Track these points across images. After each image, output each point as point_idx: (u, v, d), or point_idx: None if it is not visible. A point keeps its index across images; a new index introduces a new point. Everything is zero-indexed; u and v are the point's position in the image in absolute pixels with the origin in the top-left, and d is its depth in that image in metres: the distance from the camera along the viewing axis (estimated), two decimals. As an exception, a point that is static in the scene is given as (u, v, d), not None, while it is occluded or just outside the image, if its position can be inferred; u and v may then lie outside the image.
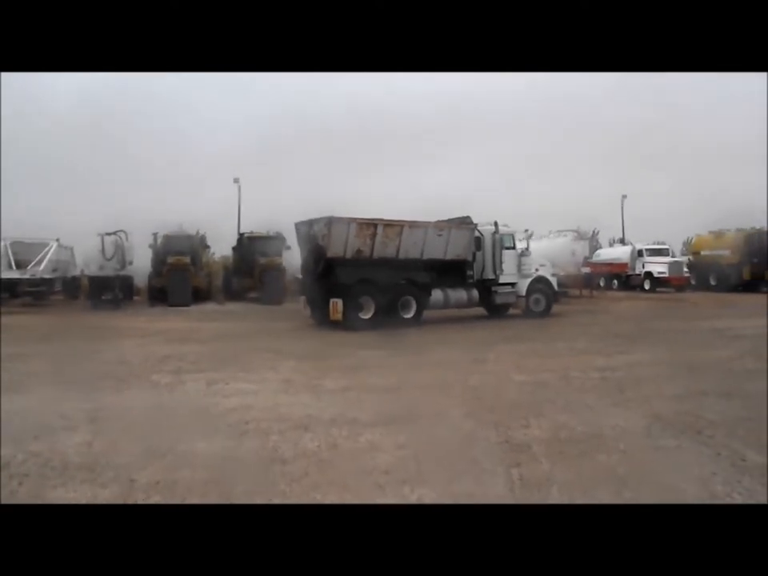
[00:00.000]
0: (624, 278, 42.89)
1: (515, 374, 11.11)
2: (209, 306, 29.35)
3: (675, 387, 9.80)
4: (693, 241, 44.38)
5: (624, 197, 45.08)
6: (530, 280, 23.10)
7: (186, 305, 28.63)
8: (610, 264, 43.27)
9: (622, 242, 51.22)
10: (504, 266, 22.50)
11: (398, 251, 20.09)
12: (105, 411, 8.33)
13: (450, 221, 22.75)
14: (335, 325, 19.11)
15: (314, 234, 19.85)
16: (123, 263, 30.26)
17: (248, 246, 34.76)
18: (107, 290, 29.38)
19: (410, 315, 20.38)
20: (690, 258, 41.71)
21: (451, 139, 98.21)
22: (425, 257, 20.66)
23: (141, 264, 32.28)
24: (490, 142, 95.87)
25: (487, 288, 22.51)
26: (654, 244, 44.00)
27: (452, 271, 21.68)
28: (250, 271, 32.95)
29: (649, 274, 40.89)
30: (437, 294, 21.16)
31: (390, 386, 10.16)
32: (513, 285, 22.92)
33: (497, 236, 22.53)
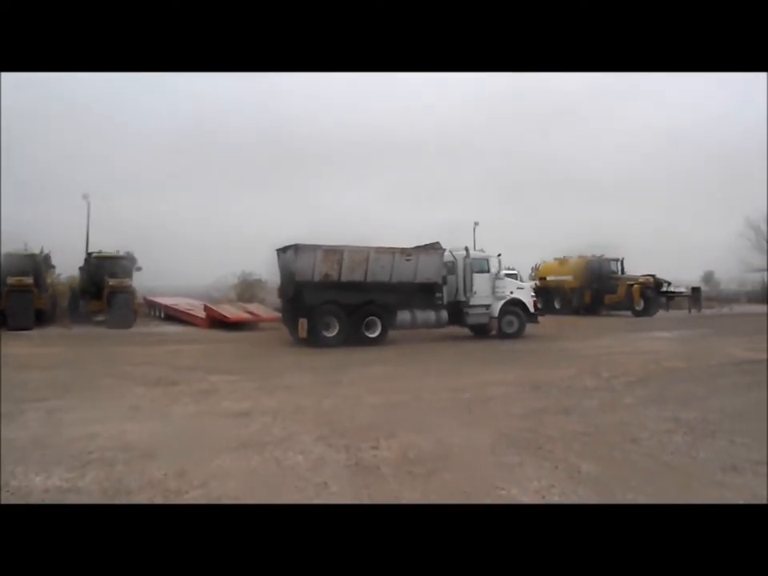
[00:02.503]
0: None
1: (369, 396, 11.32)
2: (53, 330, 27.97)
3: (520, 406, 10.27)
4: (540, 267, 46.39)
5: (476, 224, 46.61)
6: (502, 302, 23.91)
7: (28, 328, 27.14)
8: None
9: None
10: (477, 288, 23.53)
11: (365, 275, 21.46)
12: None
13: (420, 247, 23.57)
14: (304, 342, 20.69)
15: (287, 260, 21.60)
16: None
17: (96, 267, 33.27)
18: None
19: (374, 334, 21.65)
20: (537, 282, 43.56)
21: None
22: (394, 280, 21.93)
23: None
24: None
25: (460, 309, 23.46)
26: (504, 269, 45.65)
27: (422, 293, 22.75)
28: (98, 293, 31.60)
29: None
30: (403, 315, 22.27)
31: (241, 410, 10.05)
32: (487, 306, 23.82)
33: (467, 260, 23.63)
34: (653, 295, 40.65)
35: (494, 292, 23.80)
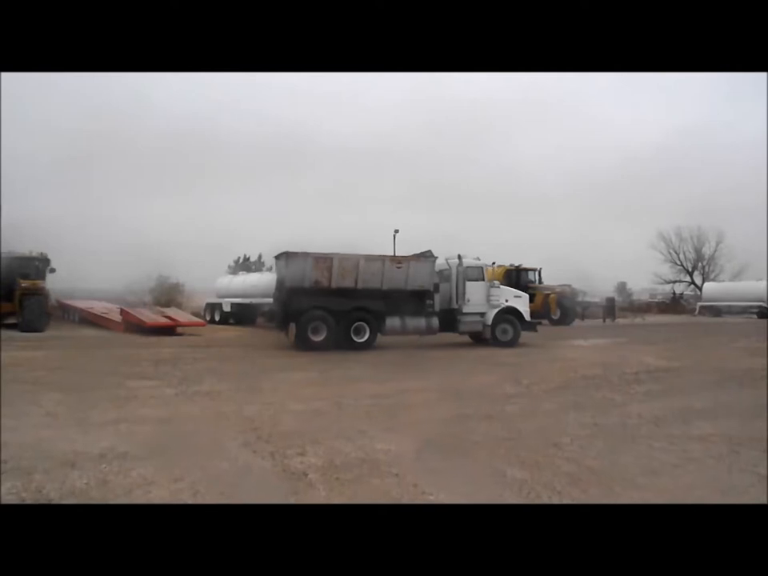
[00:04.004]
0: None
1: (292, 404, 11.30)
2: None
3: (444, 411, 10.34)
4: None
5: (396, 231, 46.78)
6: (496, 310, 24.02)
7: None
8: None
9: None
10: (471, 296, 23.86)
11: (356, 282, 22.09)
12: None
13: (412, 255, 24.35)
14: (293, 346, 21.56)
15: (280, 267, 22.92)
16: None
17: (7, 267, 32.11)
18: None
19: (362, 339, 22.05)
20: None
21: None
22: (385, 287, 22.45)
23: None
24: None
25: (453, 317, 23.74)
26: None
27: (413, 301, 23.07)
28: (9, 295, 30.47)
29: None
30: (393, 321, 22.60)
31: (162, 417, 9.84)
32: (482, 314, 24.04)
33: (460, 268, 23.97)
34: (569, 304, 41.65)
35: (488, 300, 24.03)
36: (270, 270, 45.53)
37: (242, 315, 37.39)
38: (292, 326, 22.00)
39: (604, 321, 44.94)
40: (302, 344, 21.42)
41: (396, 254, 23.37)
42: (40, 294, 29.86)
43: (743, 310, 57.77)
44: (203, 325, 31.90)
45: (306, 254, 21.98)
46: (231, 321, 37.61)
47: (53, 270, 31.50)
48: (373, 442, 8.13)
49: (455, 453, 7.75)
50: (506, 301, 24.37)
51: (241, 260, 57.85)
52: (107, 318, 31.72)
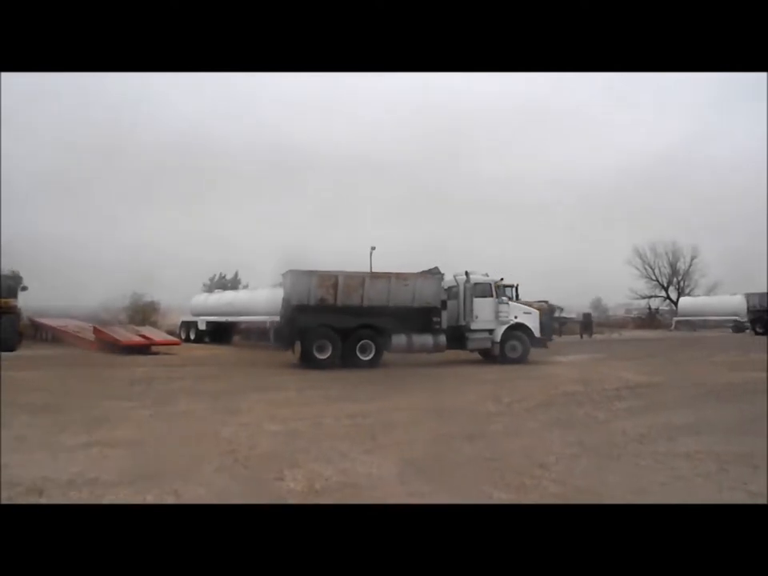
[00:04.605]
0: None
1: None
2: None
3: (425, 431, 10.15)
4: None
5: (373, 248, 46.60)
6: (505, 327, 23.73)
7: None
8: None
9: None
10: (480, 313, 23.61)
11: (362, 299, 22.06)
12: None
13: (419, 273, 23.89)
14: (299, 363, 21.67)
15: (285, 285, 22.82)
16: None
17: (-23, 286, 31.54)
18: None
19: (368, 357, 21.85)
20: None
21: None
22: (391, 304, 22.29)
23: None
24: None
25: (461, 334, 23.53)
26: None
27: (420, 318, 22.78)
28: (-21, 313, 29.91)
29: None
30: (399, 339, 22.39)
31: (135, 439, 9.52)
32: (490, 331, 23.72)
33: (468, 285, 23.84)
34: (547, 321, 41.62)
35: (497, 316, 23.71)
36: (245, 287, 45.31)
37: (217, 333, 37.07)
38: (297, 344, 22.04)
39: (581, 336, 45.06)
40: (307, 362, 21.43)
41: (401, 272, 23.18)
42: (12, 312, 29.34)
43: (718, 325, 58.27)
44: (178, 344, 31.63)
45: (311, 272, 22.10)
46: (207, 339, 37.24)
47: (24, 288, 31.01)
48: (354, 465, 7.89)
49: (439, 475, 7.53)
50: (515, 317, 24.10)
51: (216, 278, 57.36)
52: (80, 337, 31.31)
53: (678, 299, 72.34)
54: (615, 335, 49.23)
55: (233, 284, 55.90)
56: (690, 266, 78.39)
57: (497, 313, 23.73)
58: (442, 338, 23.01)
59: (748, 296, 53.85)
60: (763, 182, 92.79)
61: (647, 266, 79.77)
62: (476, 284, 23.96)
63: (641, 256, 79.26)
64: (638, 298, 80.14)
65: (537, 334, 24.42)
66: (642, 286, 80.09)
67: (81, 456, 8.30)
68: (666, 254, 79.02)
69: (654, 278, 79.95)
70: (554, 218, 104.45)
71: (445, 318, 23.23)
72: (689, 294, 73.00)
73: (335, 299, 21.82)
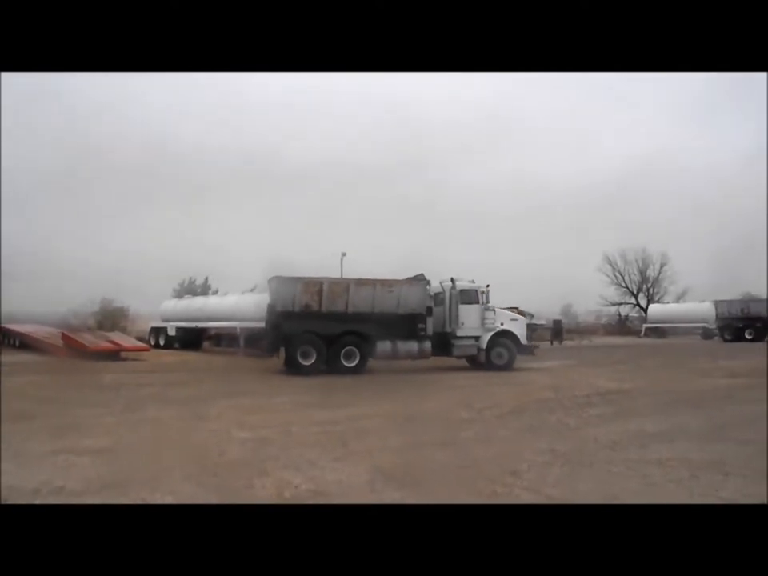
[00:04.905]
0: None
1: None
2: None
3: (396, 438, 10.06)
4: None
5: (344, 254, 46.44)
6: (491, 334, 23.57)
7: None
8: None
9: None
10: (466, 319, 23.58)
11: (346, 305, 22.17)
12: None
13: (404, 279, 23.96)
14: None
15: (270, 291, 23.05)
16: None
17: (-58, 292, 31.11)
18: None
19: (352, 364, 22.01)
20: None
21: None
22: (376, 311, 22.40)
23: None
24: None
25: (447, 340, 23.49)
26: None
27: (405, 324, 22.88)
28: None
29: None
30: (384, 345, 22.44)
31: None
32: (476, 338, 23.69)
33: (453, 291, 23.73)
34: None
35: (482, 323, 23.66)
36: (215, 293, 45.00)
37: (187, 339, 36.76)
38: (282, 351, 22.20)
39: (552, 343, 45.21)
40: (292, 368, 21.60)
41: (386, 278, 23.40)
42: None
43: (687, 331, 58.88)
44: (147, 350, 31.35)
45: (296, 279, 22.32)
46: (176, 345, 36.90)
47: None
48: (323, 473, 7.79)
49: (410, 483, 7.44)
50: (502, 324, 24.05)
51: (186, 283, 56.84)
52: (49, 343, 30.84)
53: (647, 306, 72.96)
54: (585, 342, 49.51)
55: (203, 289, 55.49)
56: (660, 273, 79.24)
57: (483, 320, 23.71)
58: (427, 345, 23.07)
59: (717, 303, 54.50)
60: (738, 190, 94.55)
61: (617, 273, 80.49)
62: (462, 290, 23.91)
63: (611, 263, 79.97)
64: (608, 305, 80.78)
65: (523, 341, 24.45)
66: (612, 293, 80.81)
67: (47, 464, 8.11)
68: (636, 261, 79.78)
69: (623, 284, 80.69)
70: (525, 225, 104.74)
71: (430, 325, 23.25)
72: (658, 301, 73.66)
73: (320, 305, 21.96)
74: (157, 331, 39.05)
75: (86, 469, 7.93)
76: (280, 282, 22.35)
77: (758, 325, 50.95)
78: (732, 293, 58.97)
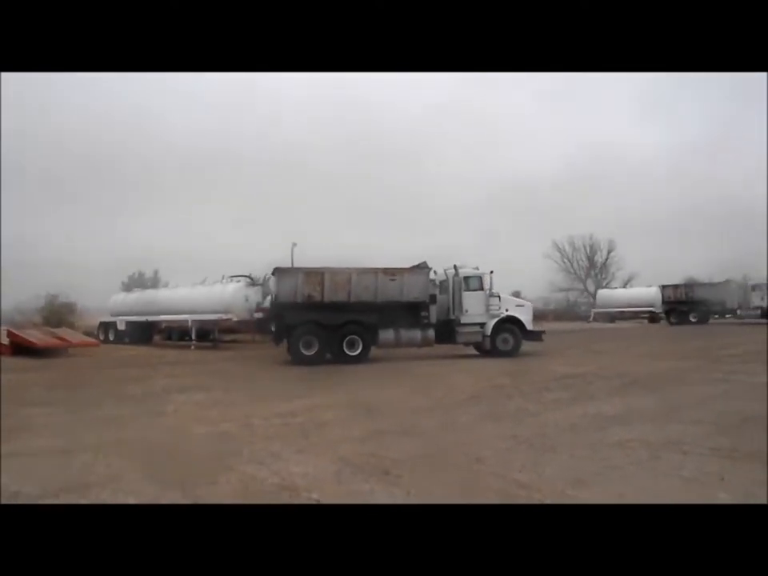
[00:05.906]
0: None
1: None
2: None
3: (357, 428, 10.00)
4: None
5: (294, 245, 46.20)
6: (496, 320, 23.62)
7: None
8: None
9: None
10: (470, 306, 23.66)
11: (349, 295, 22.41)
12: None
13: (407, 268, 23.97)
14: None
15: (273, 283, 23.31)
16: None
17: None
18: None
19: (355, 353, 22.27)
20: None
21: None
22: (379, 300, 22.60)
23: None
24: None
25: (451, 328, 23.62)
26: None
27: (408, 313, 23.12)
28: None
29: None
30: (387, 334, 22.86)
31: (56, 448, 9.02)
32: (481, 325, 23.71)
33: (456, 278, 23.93)
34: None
35: (487, 310, 23.68)
36: (166, 285, 44.45)
37: (137, 334, 36.21)
38: (284, 341, 22.48)
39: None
40: (295, 358, 21.86)
41: (388, 267, 23.40)
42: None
43: (635, 316, 59.94)
44: (97, 345, 30.71)
45: (297, 269, 23.03)
46: (126, 340, 36.34)
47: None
48: (288, 465, 7.69)
49: (376, 473, 7.37)
50: (507, 310, 24.02)
51: (135, 276, 56.01)
52: (-7, 341, 30.06)
53: (595, 291, 74.05)
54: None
55: (153, 282, 54.73)
56: (607, 259, 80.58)
57: (487, 306, 23.77)
58: (431, 333, 23.29)
59: (663, 288, 55.63)
60: (683, 180, 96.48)
61: (566, 260, 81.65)
62: (465, 277, 23.99)
63: (559, 249, 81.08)
64: (556, 291, 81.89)
65: (529, 327, 24.44)
66: (561, 279, 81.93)
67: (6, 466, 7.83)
68: (584, 247, 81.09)
69: (572, 270, 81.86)
70: (473, 216, 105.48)
71: (434, 313, 23.48)
72: (606, 287, 74.87)
73: (322, 296, 22.19)
74: (106, 326, 38.46)
75: (41, 471, 7.63)
76: (282, 273, 22.58)
77: (702, 308, 52.20)
78: (677, 278, 60.38)
